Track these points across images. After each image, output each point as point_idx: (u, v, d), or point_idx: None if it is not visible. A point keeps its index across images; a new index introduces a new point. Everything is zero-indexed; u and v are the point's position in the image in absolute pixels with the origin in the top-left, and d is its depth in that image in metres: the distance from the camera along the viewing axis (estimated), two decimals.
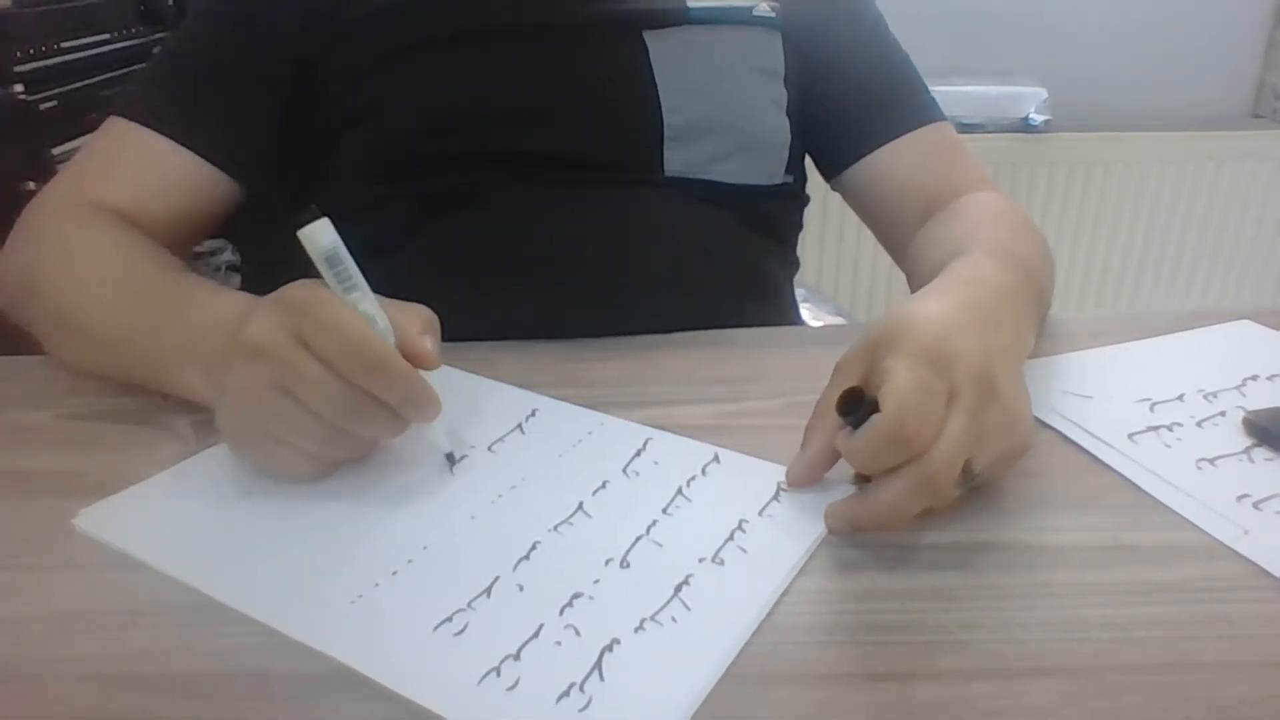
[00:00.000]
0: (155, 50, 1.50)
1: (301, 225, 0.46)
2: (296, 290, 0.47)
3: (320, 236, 0.46)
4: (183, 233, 0.70)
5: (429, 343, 0.48)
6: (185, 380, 0.54)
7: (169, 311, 0.56)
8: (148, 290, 0.59)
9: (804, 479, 0.48)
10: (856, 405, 0.44)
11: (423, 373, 0.47)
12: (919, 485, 0.43)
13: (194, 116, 0.70)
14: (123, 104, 0.71)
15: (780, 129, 0.77)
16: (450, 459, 0.51)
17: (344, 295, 0.46)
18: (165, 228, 0.68)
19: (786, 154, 0.78)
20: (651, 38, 0.73)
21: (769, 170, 0.77)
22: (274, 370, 0.45)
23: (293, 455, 0.47)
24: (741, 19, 0.76)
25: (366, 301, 0.47)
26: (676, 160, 0.73)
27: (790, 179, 0.79)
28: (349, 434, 0.47)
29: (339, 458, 0.49)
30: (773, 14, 0.77)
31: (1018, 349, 0.51)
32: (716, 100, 0.74)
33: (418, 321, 0.49)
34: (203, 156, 0.69)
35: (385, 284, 0.70)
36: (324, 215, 0.46)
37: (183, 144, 0.69)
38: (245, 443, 0.48)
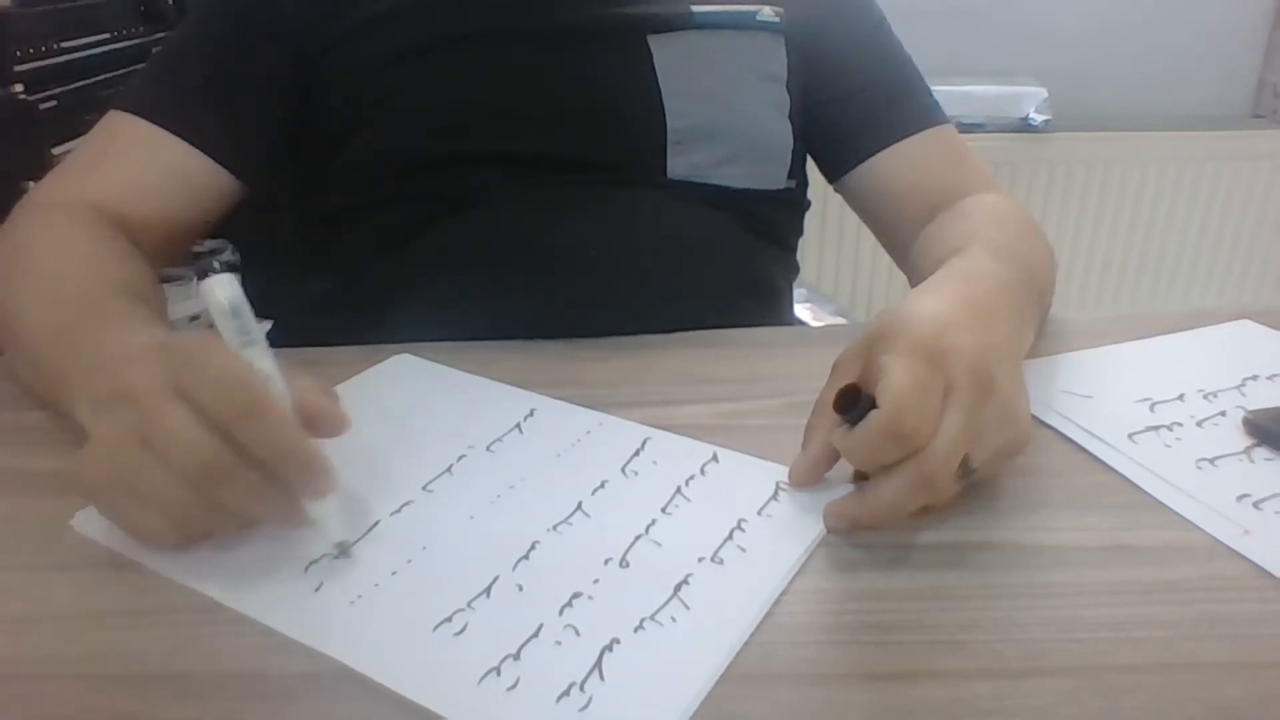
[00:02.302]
0: (156, 50, 1.51)
1: (204, 276, 0.43)
2: (185, 338, 0.43)
3: (220, 290, 0.43)
4: (178, 229, 0.69)
5: (334, 404, 0.44)
6: (76, 417, 0.46)
7: (80, 343, 0.50)
8: (81, 310, 0.54)
9: (806, 478, 0.48)
10: (854, 402, 0.44)
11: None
12: (917, 481, 0.43)
13: (194, 111, 0.69)
14: (122, 99, 0.70)
15: (783, 134, 0.77)
16: (342, 548, 0.43)
17: (240, 350, 0.42)
18: (159, 222, 0.67)
19: (789, 159, 0.78)
20: (655, 42, 0.73)
21: (772, 175, 0.77)
22: (141, 418, 0.40)
23: (149, 517, 0.42)
24: (745, 24, 0.76)
25: (264, 359, 0.43)
26: (680, 164, 0.73)
27: (792, 184, 0.79)
28: (212, 497, 0.40)
29: (200, 528, 0.43)
30: (776, 19, 0.77)
31: (1016, 346, 0.51)
32: (720, 105, 0.74)
33: (316, 387, 0.45)
34: (202, 150, 0.69)
35: (389, 284, 0.71)
36: (226, 271, 0.44)
37: (182, 137, 0.68)
38: (102, 498, 0.43)
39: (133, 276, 0.59)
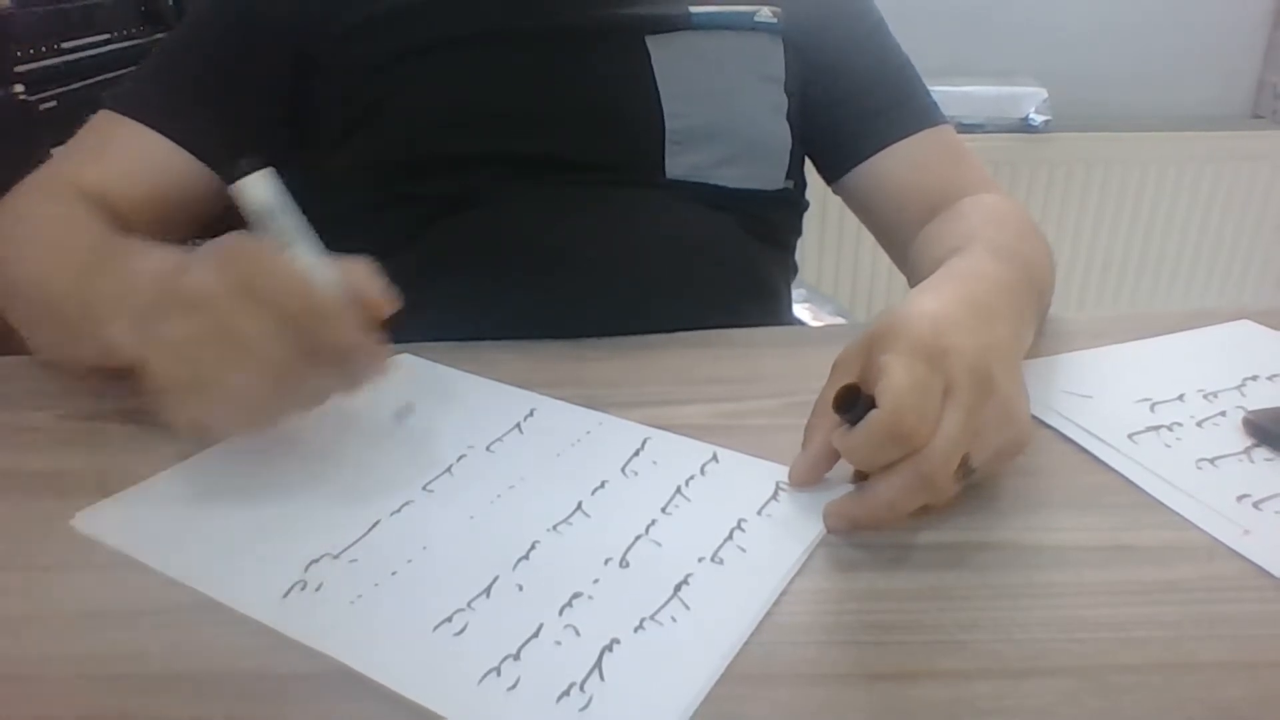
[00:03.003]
0: (152, 48, 1.51)
1: (233, 179, 0.45)
2: (236, 242, 0.45)
3: (256, 190, 0.45)
4: (165, 226, 0.69)
5: (378, 290, 0.48)
6: (110, 335, 0.49)
7: (106, 267, 0.54)
8: (93, 249, 0.57)
9: (806, 478, 0.48)
10: (853, 402, 0.44)
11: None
12: (917, 481, 0.43)
13: (185, 111, 0.70)
14: (113, 97, 0.71)
15: (781, 135, 0.77)
16: (401, 414, 0.50)
17: (287, 247, 0.46)
18: (147, 220, 0.67)
19: (787, 160, 0.78)
20: (654, 43, 0.73)
21: (770, 176, 0.77)
22: (219, 320, 0.43)
23: (233, 406, 0.45)
24: (743, 25, 0.76)
25: (309, 252, 0.46)
26: (678, 164, 0.73)
27: (791, 184, 0.79)
28: (293, 382, 0.45)
29: (281, 412, 0.47)
30: (774, 20, 0.77)
31: (1015, 345, 0.51)
32: (718, 106, 0.74)
33: (362, 270, 0.48)
34: (191, 151, 0.69)
35: (389, 285, 0.70)
36: (264, 167, 0.46)
37: (171, 137, 0.69)
38: (183, 394, 0.45)
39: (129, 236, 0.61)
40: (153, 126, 0.69)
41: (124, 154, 0.69)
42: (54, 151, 1.25)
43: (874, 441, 0.43)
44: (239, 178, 0.45)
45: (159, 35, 1.52)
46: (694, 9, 0.74)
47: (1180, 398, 0.58)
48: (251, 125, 0.72)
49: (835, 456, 0.47)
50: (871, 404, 0.43)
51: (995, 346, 0.47)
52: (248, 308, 0.43)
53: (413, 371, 0.61)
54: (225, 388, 0.44)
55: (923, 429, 0.42)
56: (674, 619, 0.40)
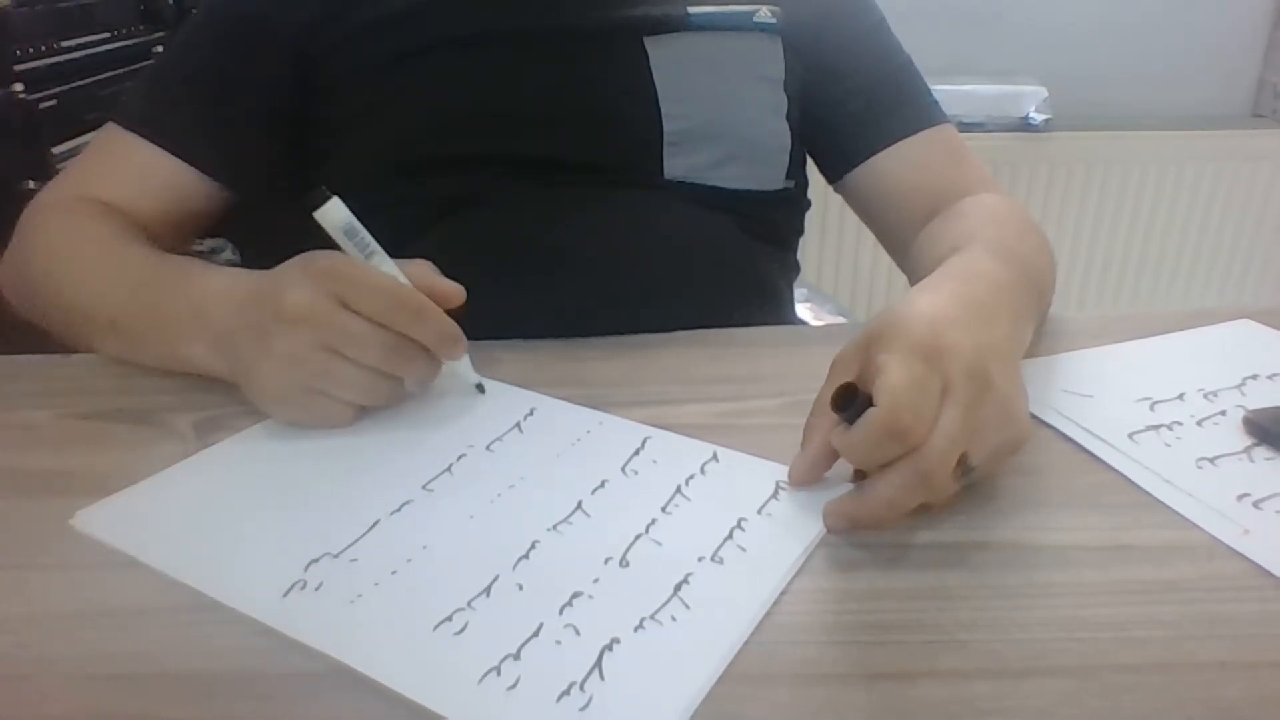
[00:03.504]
0: (155, 50, 1.51)
1: (315, 206, 0.51)
2: (323, 259, 0.52)
3: (336, 213, 0.52)
4: (172, 235, 0.71)
5: (446, 283, 0.54)
6: (192, 353, 0.57)
7: (167, 289, 0.59)
8: (144, 268, 0.61)
9: (805, 478, 0.48)
10: (851, 401, 0.44)
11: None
12: (915, 479, 0.43)
13: (186, 124, 0.71)
14: (119, 111, 0.72)
15: (780, 135, 0.77)
16: (480, 388, 0.57)
17: (367, 260, 0.53)
18: (154, 229, 0.69)
19: (787, 160, 0.78)
20: (652, 44, 0.73)
21: (769, 176, 0.77)
22: (321, 333, 0.50)
23: (333, 406, 0.52)
24: (742, 25, 0.76)
25: (386, 263, 0.53)
26: (676, 165, 0.73)
27: (791, 184, 0.79)
28: (390, 379, 0.53)
29: (384, 401, 0.54)
30: (773, 20, 0.76)
31: (1013, 344, 0.51)
32: (716, 106, 0.74)
33: (426, 268, 0.55)
34: (193, 165, 0.71)
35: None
36: (333, 194, 0.51)
37: (178, 155, 0.71)
38: (287, 402, 0.52)
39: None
40: (159, 144, 0.71)
41: (134, 173, 0.71)
42: (56, 151, 1.26)
43: (871, 440, 0.43)
44: (317, 206, 0.52)
45: (158, 34, 1.52)
46: (692, 10, 0.74)
47: (1180, 397, 0.58)
48: (249, 131, 0.73)
49: (834, 456, 0.47)
50: (869, 403, 0.43)
51: (993, 345, 0.47)
52: (349, 319, 0.50)
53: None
54: (326, 391, 0.52)
55: (920, 427, 0.42)
56: (674, 618, 0.40)
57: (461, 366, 0.56)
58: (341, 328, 0.50)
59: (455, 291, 0.54)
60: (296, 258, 0.52)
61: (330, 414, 0.53)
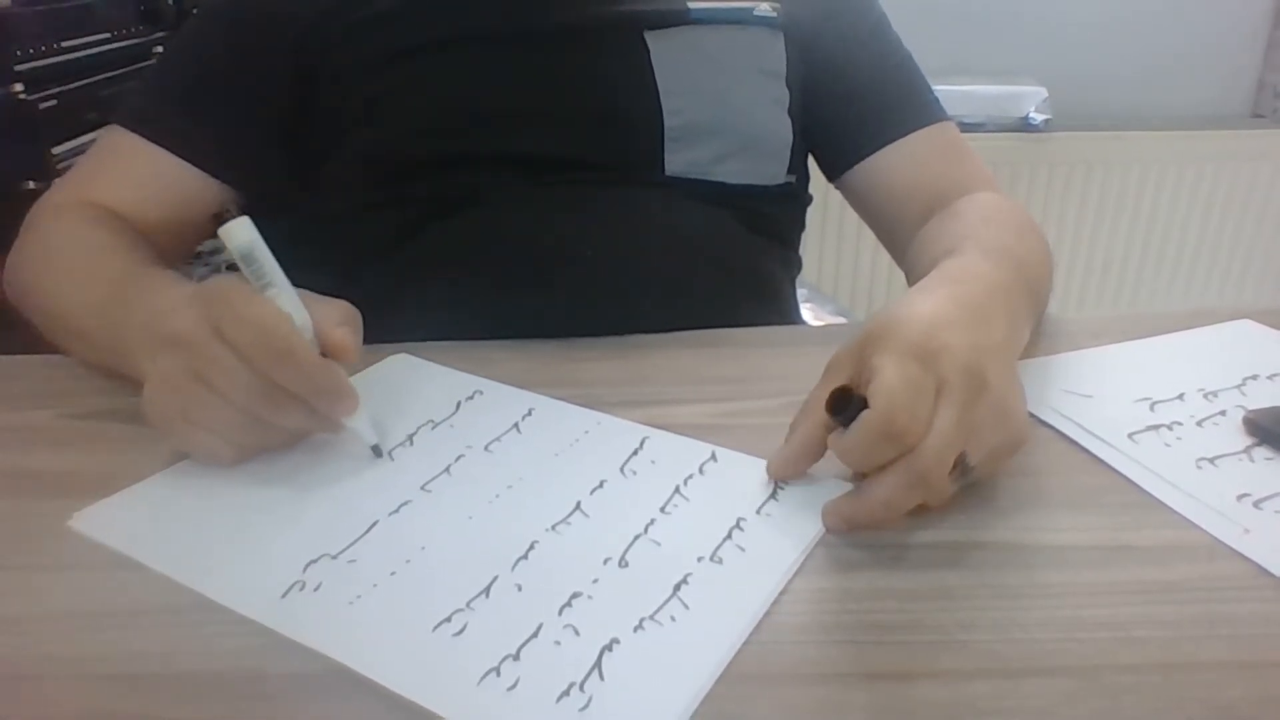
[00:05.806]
0: (155, 50, 1.51)
1: (222, 223, 0.48)
2: (216, 284, 0.48)
3: (237, 234, 0.48)
4: (178, 236, 0.72)
5: (347, 336, 0.49)
6: (137, 368, 0.53)
7: (128, 306, 0.57)
8: (114, 282, 0.60)
9: (783, 472, 0.49)
10: (846, 403, 0.44)
11: (343, 367, 0.49)
12: (912, 480, 0.43)
13: (187, 125, 0.71)
14: (121, 112, 0.72)
15: (782, 130, 0.77)
16: (376, 450, 0.51)
17: (261, 290, 0.48)
18: (159, 230, 0.70)
19: (788, 154, 0.78)
20: (652, 38, 0.73)
21: (771, 171, 0.77)
22: (192, 359, 0.47)
23: (210, 440, 0.49)
24: (743, 19, 0.76)
25: (283, 297, 0.48)
26: (678, 161, 0.73)
27: (792, 179, 0.79)
28: (264, 423, 0.48)
29: (256, 445, 0.50)
30: (774, 14, 0.76)
31: (1009, 345, 0.51)
32: (718, 101, 0.74)
33: (336, 315, 0.50)
34: (195, 165, 0.71)
35: (387, 284, 0.71)
36: (244, 214, 0.48)
37: (175, 153, 0.71)
38: (167, 427, 0.49)
39: (150, 254, 0.65)
40: (163, 145, 0.71)
41: (136, 175, 0.71)
42: (56, 151, 1.26)
43: (867, 441, 0.43)
44: (223, 223, 0.48)
45: (158, 34, 1.52)
46: (692, 4, 0.74)
47: (1180, 397, 0.58)
48: (248, 131, 0.73)
49: (817, 453, 0.48)
50: (864, 405, 0.43)
51: (989, 346, 0.47)
52: (219, 349, 0.46)
53: (409, 373, 0.61)
54: (200, 423, 0.48)
55: (915, 428, 0.42)
56: (673, 618, 0.40)
57: (353, 424, 0.50)
58: (211, 357, 0.46)
59: (347, 348, 0.49)
60: (211, 279, 0.50)
61: (209, 449, 0.49)
